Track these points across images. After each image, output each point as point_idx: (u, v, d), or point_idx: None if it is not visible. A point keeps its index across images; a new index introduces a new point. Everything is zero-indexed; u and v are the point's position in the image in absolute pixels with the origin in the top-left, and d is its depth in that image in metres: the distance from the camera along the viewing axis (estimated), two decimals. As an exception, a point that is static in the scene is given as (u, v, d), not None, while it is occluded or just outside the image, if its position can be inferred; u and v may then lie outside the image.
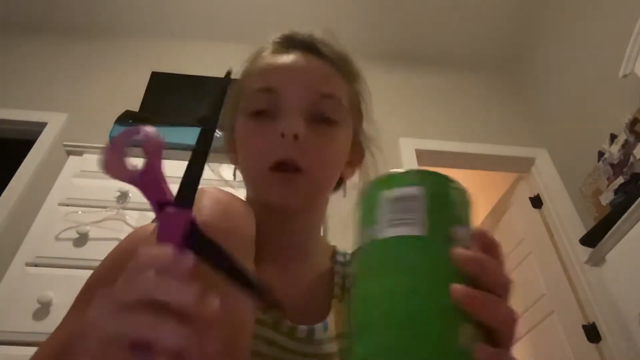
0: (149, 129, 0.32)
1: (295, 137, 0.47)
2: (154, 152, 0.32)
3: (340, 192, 0.61)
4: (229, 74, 0.39)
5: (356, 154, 0.59)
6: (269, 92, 0.51)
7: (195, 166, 0.32)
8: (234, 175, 0.61)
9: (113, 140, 0.33)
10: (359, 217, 0.34)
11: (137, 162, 0.32)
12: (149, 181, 0.32)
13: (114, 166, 0.32)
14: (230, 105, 0.57)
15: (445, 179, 0.32)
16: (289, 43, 0.57)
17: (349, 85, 0.57)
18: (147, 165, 0.32)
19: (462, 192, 0.32)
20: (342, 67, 0.57)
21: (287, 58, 0.54)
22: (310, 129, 0.50)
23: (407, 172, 0.32)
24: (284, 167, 0.48)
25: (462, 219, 0.31)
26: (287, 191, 0.48)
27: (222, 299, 0.33)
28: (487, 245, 0.30)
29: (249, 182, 0.54)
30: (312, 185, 0.50)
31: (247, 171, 0.54)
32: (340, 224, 0.57)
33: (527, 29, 2.74)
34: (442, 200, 0.31)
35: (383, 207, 0.31)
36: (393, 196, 0.31)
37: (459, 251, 0.27)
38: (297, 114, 0.49)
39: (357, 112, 0.59)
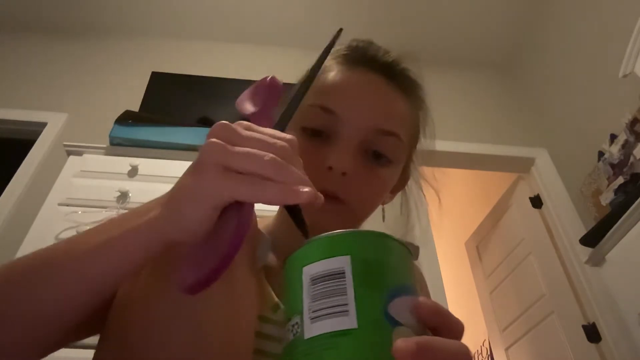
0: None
1: (343, 173, 0.45)
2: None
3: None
4: (339, 32, 0.46)
5: (399, 182, 0.56)
6: (329, 114, 0.48)
7: (293, 102, 0.39)
8: None
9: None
10: (284, 302, 0.28)
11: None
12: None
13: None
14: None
15: (374, 236, 0.27)
16: (360, 58, 0.52)
17: (413, 114, 0.54)
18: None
19: (397, 248, 0.28)
20: (412, 94, 0.53)
21: (356, 79, 0.50)
22: (361, 163, 0.47)
23: (327, 238, 0.27)
24: (323, 193, 0.47)
25: (400, 286, 0.26)
26: (321, 216, 0.45)
27: (224, 300, 0.33)
28: (432, 316, 0.26)
29: None
30: (347, 215, 0.48)
31: None
32: None
33: (527, 29, 2.74)
34: (372, 268, 0.25)
35: (304, 290, 0.26)
36: (313, 274, 0.26)
37: (399, 346, 0.23)
38: (350, 148, 0.47)
39: (414, 143, 0.56)
